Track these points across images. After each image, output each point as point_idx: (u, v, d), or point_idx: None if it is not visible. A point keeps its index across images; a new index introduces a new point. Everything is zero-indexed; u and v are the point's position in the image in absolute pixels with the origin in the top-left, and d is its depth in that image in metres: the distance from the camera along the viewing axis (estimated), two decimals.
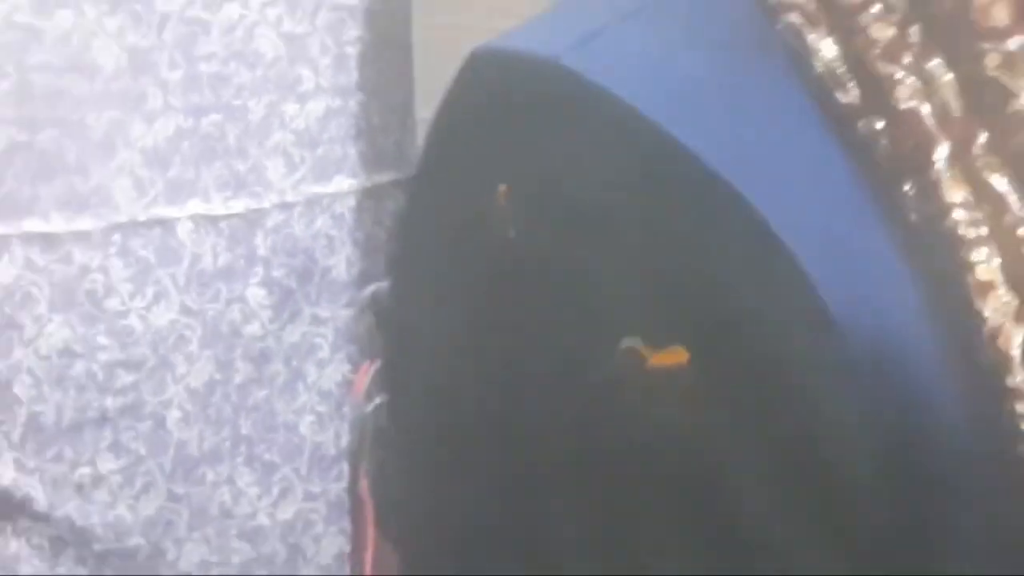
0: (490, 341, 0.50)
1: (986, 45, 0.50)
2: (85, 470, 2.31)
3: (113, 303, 2.32)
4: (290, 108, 2.50)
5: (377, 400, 1.67)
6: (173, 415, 2.41)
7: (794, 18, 0.50)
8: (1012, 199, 0.48)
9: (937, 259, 0.48)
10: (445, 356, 0.52)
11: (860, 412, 0.47)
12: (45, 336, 2.27)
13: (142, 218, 2.34)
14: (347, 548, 2.42)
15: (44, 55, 2.21)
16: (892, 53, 0.50)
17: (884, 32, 0.50)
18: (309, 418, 2.57)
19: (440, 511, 0.53)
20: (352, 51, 2.56)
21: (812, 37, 0.50)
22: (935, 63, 0.50)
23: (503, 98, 0.51)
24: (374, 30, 2.57)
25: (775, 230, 0.47)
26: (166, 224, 2.37)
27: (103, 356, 2.32)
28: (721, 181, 0.47)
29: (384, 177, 2.60)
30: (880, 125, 0.49)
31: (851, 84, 0.50)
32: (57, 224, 2.24)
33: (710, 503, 0.48)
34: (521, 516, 0.50)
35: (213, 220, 2.42)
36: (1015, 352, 0.47)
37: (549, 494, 0.50)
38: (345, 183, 2.59)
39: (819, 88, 0.50)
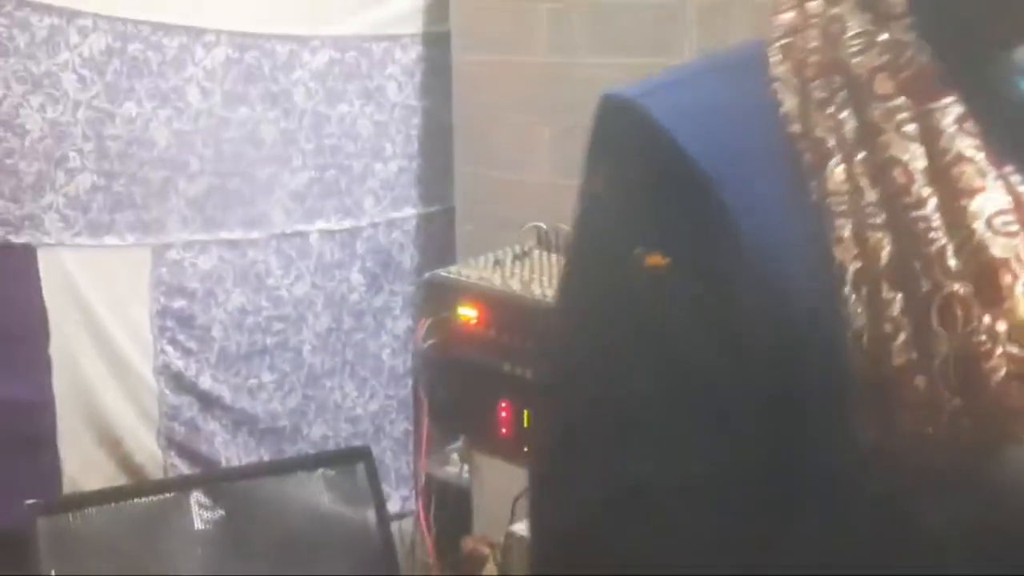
0: (580, 240, 0.72)
1: (875, 103, 0.65)
2: (253, 380, 2.87)
3: (271, 281, 2.87)
4: (378, 166, 2.99)
5: (429, 341, 2.39)
6: (306, 348, 2.96)
7: (777, 85, 0.69)
8: (868, 191, 0.63)
9: (821, 223, 0.64)
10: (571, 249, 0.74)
11: (762, 307, 0.63)
12: (231, 300, 2.80)
13: (288, 231, 2.88)
14: (410, 428, 3.04)
15: (231, 133, 2.74)
16: (822, 106, 0.66)
17: (820, 94, 0.67)
18: (388, 351, 3.10)
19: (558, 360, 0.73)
20: (415, 132, 3.08)
21: (784, 94, 0.68)
22: (846, 112, 0.66)
23: (608, 118, 0.71)
24: (428, 119, 3.10)
25: (728, 203, 0.64)
26: (303, 235, 2.91)
27: (264, 313, 2.87)
28: (700, 169, 0.65)
29: (433, 208, 3.13)
30: (807, 145, 0.66)
31: (798, 122, 0.67)
32: (238, 234, 2.79)
33: (679, 356, 0.65)
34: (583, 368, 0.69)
35: (331, 233, 2.95)
36: (848, 276, 0.63)
37: (594, 351, 0.68)
38: (410, 212, 3.11)
39: (784, 122, 0.67)
